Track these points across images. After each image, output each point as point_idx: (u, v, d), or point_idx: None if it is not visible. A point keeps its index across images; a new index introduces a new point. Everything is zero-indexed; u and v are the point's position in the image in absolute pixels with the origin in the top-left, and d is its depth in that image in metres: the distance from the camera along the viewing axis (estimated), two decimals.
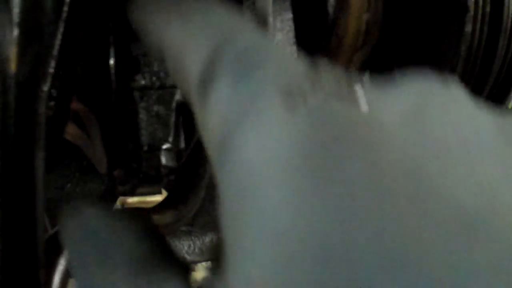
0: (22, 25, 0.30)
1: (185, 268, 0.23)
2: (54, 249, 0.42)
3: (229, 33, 0.22)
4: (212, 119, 0.20)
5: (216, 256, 0.26)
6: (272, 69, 0.20)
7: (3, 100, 0.31)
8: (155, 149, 0.39)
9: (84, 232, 0.24)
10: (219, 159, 0.19)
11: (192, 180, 0.61)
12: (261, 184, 0.17)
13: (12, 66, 0.31)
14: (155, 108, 0.39)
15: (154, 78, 0.39)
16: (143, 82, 0.39)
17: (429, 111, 0.18)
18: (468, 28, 0.44)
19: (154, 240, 0.24)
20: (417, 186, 0.16)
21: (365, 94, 0.19)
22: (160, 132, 0.39)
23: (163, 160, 0.39)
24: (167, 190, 0.52)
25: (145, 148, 0.39)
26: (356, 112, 0.18)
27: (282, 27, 0.39)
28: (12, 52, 0.31)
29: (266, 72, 0.20)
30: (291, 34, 0.40)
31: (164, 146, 0.39)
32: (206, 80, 0.21)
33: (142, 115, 0.39)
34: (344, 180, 0.16)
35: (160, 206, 0.65)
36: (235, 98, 0.19)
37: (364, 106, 0.18)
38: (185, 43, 0.23)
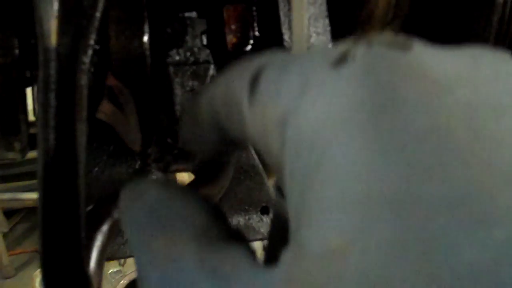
0: None
1: (244, 239, 0.22)
2: (91, 225, 0.43)
3: (266, 61, 0.22)
4: (263, 108, 0.20)
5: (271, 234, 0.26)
6: (315, 52, 0.20)
7: (44, 73, 0.31)
8: None
9: (145, 208, 0.23)
10: (280, 136, 0.19)
11: (221, 160, 0.61)
12: (326, 148, 0.16)
13: (53, 39, 0.31)
14: (190, 83, 0.39)
15: (188, 54, 0.39)
16: (177, 57, 0.39)
17: (481, 71, 0.18)
18: None
19: (212, 212, 0.23)
20: (478, 139, 0.16)
21: (418, 47, 0.18)
22: None
23: None
24: (198, 168, 0.53)
25: None
26: (408, 58, 0.17)
27: (315, 1, 0.39)
28: (53, 25, 0.31)
29: (308, 55, 0.20)
30: (324, 7, 0.40)
31: None
32: (254, 84, 0.21)
33: (177, 90, 0.39)
34: (408, 133, 0.15)
35: (191, 186, 0.65)
36: (282, 79, 0.19)
37: (417, 54, 0.18)
38: (231, 80, 0.23)
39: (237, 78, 0.22)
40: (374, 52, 0.18)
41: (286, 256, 0.17)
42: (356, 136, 0.16)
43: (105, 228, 0.43)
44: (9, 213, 3.34)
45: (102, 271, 0.42)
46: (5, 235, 3.02)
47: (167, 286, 0.20)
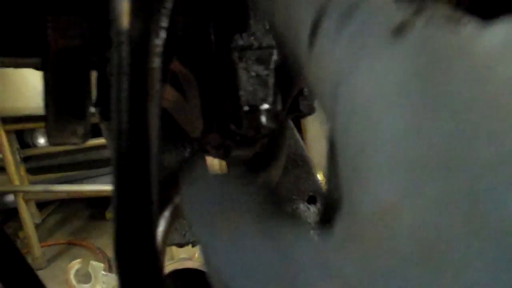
0: None
1: (300, 216, 0.24)
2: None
3: None
4: (320, 64, 0.21)
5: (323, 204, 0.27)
6: (374, 6, 0.21)
7: (117, 56, 0.30)
8: (255, 109, 0.38)
9: (204, 189, 0.25)
10: (333, 94, 0.20)
11: (273, 148, 0.61)
12: (380, 118, 0.18)
13: (125, 22, 0.30)
14: (254, 68, 0.38)
15: (251, 38, 0.39)
16: (241, 42, 0.39)
17: None
18: None
19: (267, 194, 0.25)
20: None
21: (468, 23, 0.19)
22: (260, 92, 0.38)
23: (263, 120, 0.38)
24: (253, 156, 0.52)
25: (245, 108, 0.38)
26: (462, 36, 0.19)
27: None
28: (124, 7, 0.30)
29: (368, 9, 0.21)
30: None
31: (264, 107, 0.38)
32: (314, 31, 0.22)
33: (242, 75, 0.38)
34: (457, 102, 0.17)
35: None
36: (341, 38, 0.20)
37: (469, 32, 0.19)
38: (292, 9, 0.24)
39: (300, 9, 0.23)
40: (433, 28, 0.19)
41: (341, 216, 0.18)
42: (408, 106, 0.17)
43: (167, 213, 0.43)
44: (42, 205, 3.41)
45: (164, 258, 0.42)
46: (37, 227, 3.09)
47: (232, 251, 0.22)
